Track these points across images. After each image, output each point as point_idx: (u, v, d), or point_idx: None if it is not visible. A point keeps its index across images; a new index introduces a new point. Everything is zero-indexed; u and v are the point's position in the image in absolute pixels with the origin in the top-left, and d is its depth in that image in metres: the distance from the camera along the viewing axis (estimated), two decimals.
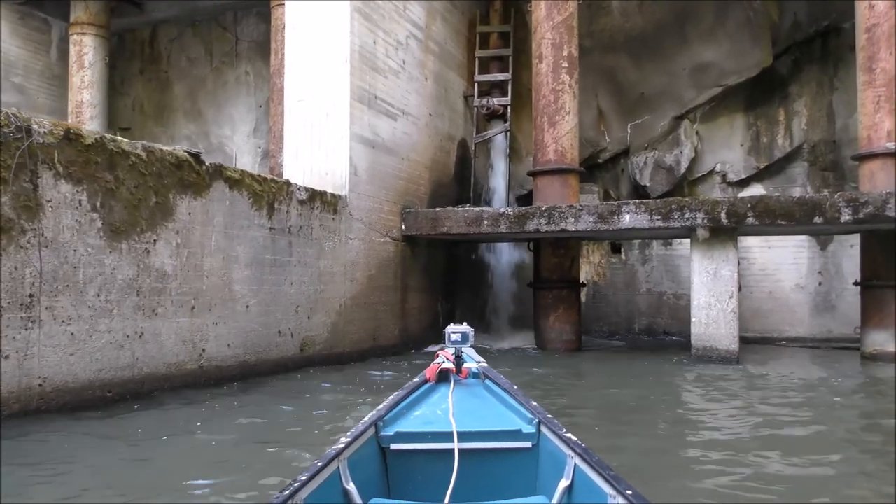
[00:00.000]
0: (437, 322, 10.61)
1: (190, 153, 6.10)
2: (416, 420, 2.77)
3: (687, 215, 8.65)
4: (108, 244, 5.34)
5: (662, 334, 13.00)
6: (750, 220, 8.45)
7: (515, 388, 2.94)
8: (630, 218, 8.87)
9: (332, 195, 8.34)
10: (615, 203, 9.14)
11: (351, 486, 2.32)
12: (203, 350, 6.29)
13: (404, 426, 2.71)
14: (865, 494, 3.53)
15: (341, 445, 2.37)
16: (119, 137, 5.49)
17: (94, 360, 5.21)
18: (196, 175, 6.19)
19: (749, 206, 8.50)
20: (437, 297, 10.99)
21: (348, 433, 2.52)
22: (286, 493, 1.96)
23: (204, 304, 6.30)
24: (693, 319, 8.96)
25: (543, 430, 2.65)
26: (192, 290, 6.17)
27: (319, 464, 2.20)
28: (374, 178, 9.24)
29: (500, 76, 12.45)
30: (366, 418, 2.67)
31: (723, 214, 8.54)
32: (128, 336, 5.50)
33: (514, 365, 8.52)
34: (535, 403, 2.81)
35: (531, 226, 9.21)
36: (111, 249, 5.36)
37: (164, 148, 5.89)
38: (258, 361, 7.01)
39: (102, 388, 5.28)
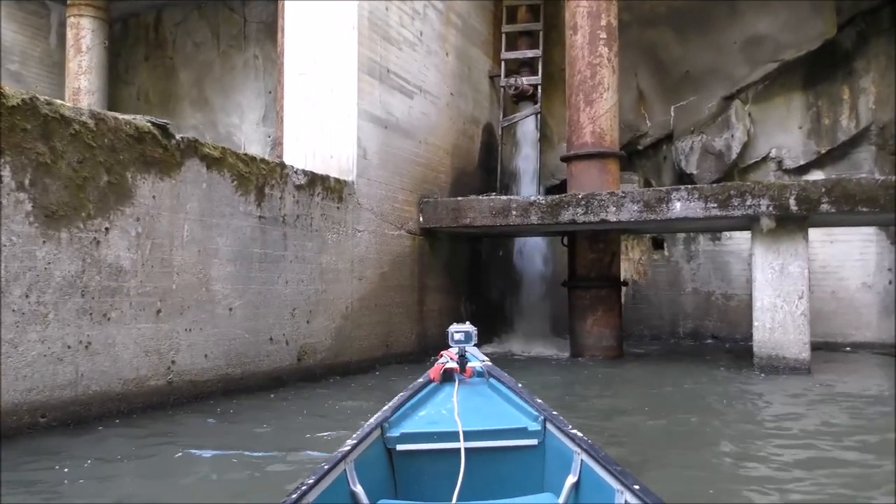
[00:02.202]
0: None
1: (154, 123, 5.03)
2: (422, 420, 2.75)
3: (749, 202, 7.41)
4: (42, 232, 4.28)
5: (710, 338, 11.76)
6: (824, 206, 7.19)
7: (520, 385, 2.93)
8: (681, 206, 7.66)
9: (337, 180, 7.24)
10: (664, 189, 7.93)
11: (358, 488, 2.28)
12: (172, 362, 5.21)
13: (410, 427, 2.69)
14: None
15: (347, 448, 2.33)
16: (58, 101, 4.44)
17: (21, 378, 4.15)
18: (163, 150, 5.12)
19: (823, 190, 7.23)
20: (459, 297, 9.84)
21: (354, 435, 2.46)
22: (294, 496, 1.92)
23: (173, 306, 5.23)
24: (756, 323, 7.72)
25: (549, 427, 2.65)
26: (158, 290, 5.10)
27: (326, 466, 2.15)
28: (387, 163, 8.12)
29: (530, 53, 11.22)
30: (371, 420, 2.63)
31: (792, 201, 7.29)
32: (69, 346, 4.43)
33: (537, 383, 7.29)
34: (540, 401, 2.79)
35: (566, 216, 8.03)
36: (45, 239, 4.30)
37: (120, 116, 4.83)
38: (244, 374, 5.93)
39: (32, 412, 4.21)
